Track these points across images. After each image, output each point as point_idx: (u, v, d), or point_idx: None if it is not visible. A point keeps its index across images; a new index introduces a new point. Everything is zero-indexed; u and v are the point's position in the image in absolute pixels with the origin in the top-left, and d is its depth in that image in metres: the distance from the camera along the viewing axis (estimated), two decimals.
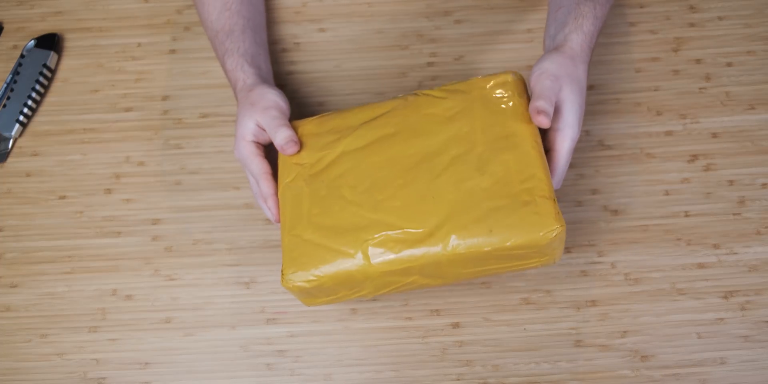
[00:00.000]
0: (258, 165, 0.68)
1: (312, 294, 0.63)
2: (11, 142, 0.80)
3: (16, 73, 0.82)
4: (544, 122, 0.62)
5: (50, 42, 0.83)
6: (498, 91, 0.65)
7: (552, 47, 0.69)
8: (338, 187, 0.64)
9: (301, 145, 0.68)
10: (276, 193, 0.67)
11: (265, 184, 0.67)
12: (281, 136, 0.67)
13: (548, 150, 0.65)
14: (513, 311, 0.72)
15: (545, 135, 0.65)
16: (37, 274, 0.75)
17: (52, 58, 0.83)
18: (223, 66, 0.74)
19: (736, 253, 0.73)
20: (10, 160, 0.80)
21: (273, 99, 0.70)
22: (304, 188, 0.65)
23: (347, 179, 0.64)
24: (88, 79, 0.84)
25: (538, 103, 0.62)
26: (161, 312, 0.73)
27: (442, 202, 0.61)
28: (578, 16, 0.69)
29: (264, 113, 0.68)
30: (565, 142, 0.64)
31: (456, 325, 0.71)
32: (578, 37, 0.68)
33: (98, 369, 0.72)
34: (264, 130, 0.69)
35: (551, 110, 0.62)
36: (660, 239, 0.74)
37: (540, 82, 0.64)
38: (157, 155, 0.80)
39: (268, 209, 0.67)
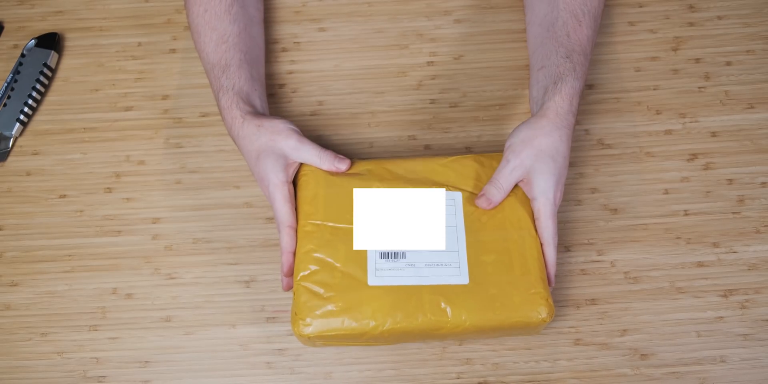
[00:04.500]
0: (286, 214, 0.68)
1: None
2: (12, 141, 0.81)
3: (16, 72, 0.82)
4: (482, 205, 0.67)
5: (51, 41, 0.84)
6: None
7: (535, 112, 0.69)
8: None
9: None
10: (293, 251, 0.67)
11: (286, 239, 0.67)
12: (330, 159, 0.68)
13: (536, 216, 0.67)
14: None
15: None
16: (38, 273, 0.76)
17: (52, 58, 0.83)
18: (218, 102, 0.72)
19: (735, 252, 0.73)
20: (10, 159, 0.81)
21: (288, 127, 0.69)
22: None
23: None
24: (89, 79, 0.84)
25: (485, 187, 0.67)
26: (161, 311, 0.74)
27: None
28: (558, 80, 0.68)
29: (297, 145, 0.68)
30: (542, 209, 0.66)
31: None
32: (556, 103, 0.67)
33: (98, 367, 0.72)
34: (291, 163, 0.69)
35: (497, 196, 0.67)
36: (659, 238, 0.74)
37: (504, 159, 0.67)
38: (157, 154, 0.80)
39: (284, 262, 0.68)
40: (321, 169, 0.69)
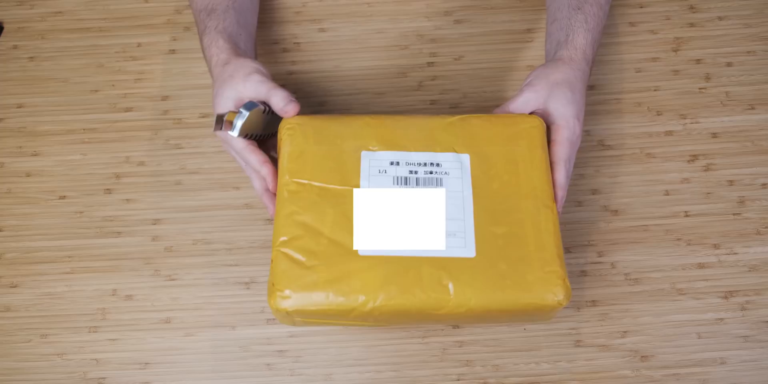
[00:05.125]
0: (251, 154, 0.65)
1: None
2: None
3: None
4: None
5: None
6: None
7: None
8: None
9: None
10: (267, 160, 0.64)
11: (267, 173, 0.65)
12: (278, 97, 0.63)
13: (550, 143, 0.65)
14: None
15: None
16: (37, 274, 0.75)
17: None
18: (201, 45, 0.70)
19: (736, 253, 0.73)
20: (10, 159, 0.80)
21: (252, 66, 0.65)
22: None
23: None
24: (88, 79, 0.84)
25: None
26: (161, 312, 0.73)
27: None
28: (569, 32, 0.68)
29: (246, 80, 0.64)
30: (560, 132, 0.64)
31: (456, 325, 0.71)
32: (569, 52, 0.67)
33: (98, 369, 0.72)
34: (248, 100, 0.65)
35: None
36: (660, 239, 0.74)
37: (515, 99, 0.65)
38: (157, 155, 0.80)
39: (265, 176, 0.65)
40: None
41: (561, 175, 0.63)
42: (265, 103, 0.65)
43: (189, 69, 0.83)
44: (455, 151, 0.62)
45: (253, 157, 0.65)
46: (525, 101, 0.64)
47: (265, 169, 0.65)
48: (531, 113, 0.66)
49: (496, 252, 0.59)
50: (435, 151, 0.63)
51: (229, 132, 0.63)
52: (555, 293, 0.58)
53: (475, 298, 0.57)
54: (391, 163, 0.62)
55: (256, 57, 0.74)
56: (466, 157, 0.62)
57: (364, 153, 0.62)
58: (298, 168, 0.61)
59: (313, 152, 0.62)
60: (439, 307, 0.57)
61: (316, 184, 0.61)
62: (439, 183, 0.62)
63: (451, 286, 0.57)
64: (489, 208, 0.60)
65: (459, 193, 0.61)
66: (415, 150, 0.63)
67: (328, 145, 0.62)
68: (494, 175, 0.62)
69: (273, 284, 0.58)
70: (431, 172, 0.62)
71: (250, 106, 0.63)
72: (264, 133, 0.68)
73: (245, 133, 0.65)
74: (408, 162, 0.62)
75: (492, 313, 0.58)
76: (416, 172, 0.62)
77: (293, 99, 0.64)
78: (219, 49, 0.68)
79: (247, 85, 0.64)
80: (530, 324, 0.70)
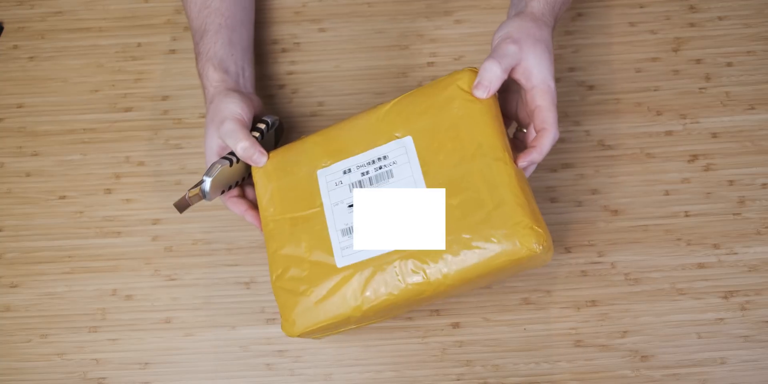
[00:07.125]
0: (233, 206, 0.70)
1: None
2: None
3: None
4: (479, 95, 0.61)
5: None
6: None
7: (513, 15, 0.67)
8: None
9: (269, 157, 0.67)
10: (249, 207, 0.70)
11: (251, 220, 0.69)
12: (241, 149, 0.66)
13: (533, 108, 0.62)
14: (513, 311, 0.72)
15: (525, 96, 0.64)
16: (37, 274, 0.75)
17: None
18: (197, 69, 0.73)
19: (736, 253, 0.73)
20: (10, 159, 0.80)
21: (229, 109, 0.67)
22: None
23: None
24: (88, 79, 0.84)
25: (479, 75, 0.61)
26: (161, 312, 0.74)
27: None
28: None
29: (219, 129, 0.67)
30: (545, 96, 0.62)
31: (456, 325, 0.72)
32: (539, 3, 0.65)
33: (98, 369, 0.72)
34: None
35: (497, 83, 0.61)
36: (660, 239, 0.74)
37: (501, 48, 0.62)
38: (157, 155, 0.80)
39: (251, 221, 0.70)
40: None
41: (549, 140, 0.62)
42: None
43: (189, 69, 0.83)
44: (397, 138, 0.63)
45: (234, 209, 0.70)
46: (506, 54, 0.61)
47: (248, 218, 0.69)
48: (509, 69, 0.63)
49: (456, 223, 0.59)
50: (378, 145, 0.64)
51: (204, 200, 0.68)
52: (525, 243, 0.56)
53: (451, 275, 0.58)
54: (344, 173, 0.65)
55: (254, 72, 0.76)
56: (408, 140, 0.63)
57: (319, 172, 0.65)
58: (271, 208, 0.66)
59: (278, 188, 0.66)
60: (421, 292, 0.59)
61: (288, 216, 0.65)
62: (390, 175, 0.63)
63: (423, 271, 0.59)
64: (441, 181, 0.60)
65: (410, 178, 0.62)
66: (362, 151, 0.64)
67: (289, 177, 0.66)
68: (438, 147, 0.61)
69: (281, 315, 0.63)
70: (380, 167, 0.63)
71: (212, 170, 0.67)
72: (245, 176, 0.71)
73: (222, 189, 0.69)
74: (358, 165, 0.64)
75: (475, 280, 0.59)
76: (367, 173, 0.64)
77: (258, 149, 0.66)
78: (208, 80, 0.71)
79: (220, 134, 0.67)
80: (531, 270, 0.68)
